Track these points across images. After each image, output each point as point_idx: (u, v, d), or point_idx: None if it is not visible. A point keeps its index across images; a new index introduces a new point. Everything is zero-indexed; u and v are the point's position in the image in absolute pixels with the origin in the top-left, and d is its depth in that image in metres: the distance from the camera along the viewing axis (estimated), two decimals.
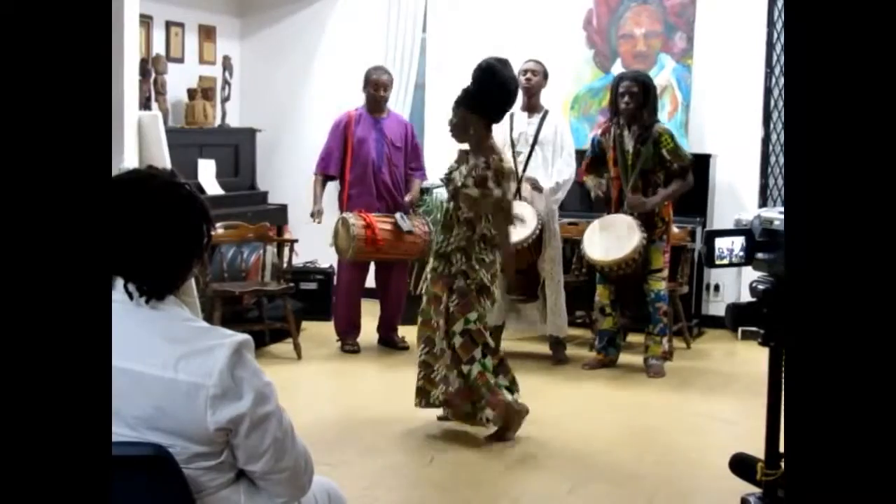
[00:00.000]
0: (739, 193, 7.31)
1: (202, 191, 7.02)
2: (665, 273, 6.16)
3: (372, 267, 6.77)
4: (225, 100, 7.98)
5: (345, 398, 5.77)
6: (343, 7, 8.24)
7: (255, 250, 6.75)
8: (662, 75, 7.19)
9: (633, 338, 6.56)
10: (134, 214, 1.97)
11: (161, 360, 1.93)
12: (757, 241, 2.49)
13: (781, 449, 2.39)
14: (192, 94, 7.71)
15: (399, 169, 6.63)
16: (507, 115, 6.28)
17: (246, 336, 2.00)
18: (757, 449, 2.50)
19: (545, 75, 6.40)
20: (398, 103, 7.62)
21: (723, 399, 5.73)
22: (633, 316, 6.37)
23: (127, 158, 5.61)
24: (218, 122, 7.91)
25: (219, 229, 6.18)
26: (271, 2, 8.47)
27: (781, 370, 2.39)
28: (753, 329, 2.48)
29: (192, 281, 5.56)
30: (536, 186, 6.19)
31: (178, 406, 1.93)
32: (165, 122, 6.68)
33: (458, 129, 4.80)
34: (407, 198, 6.60)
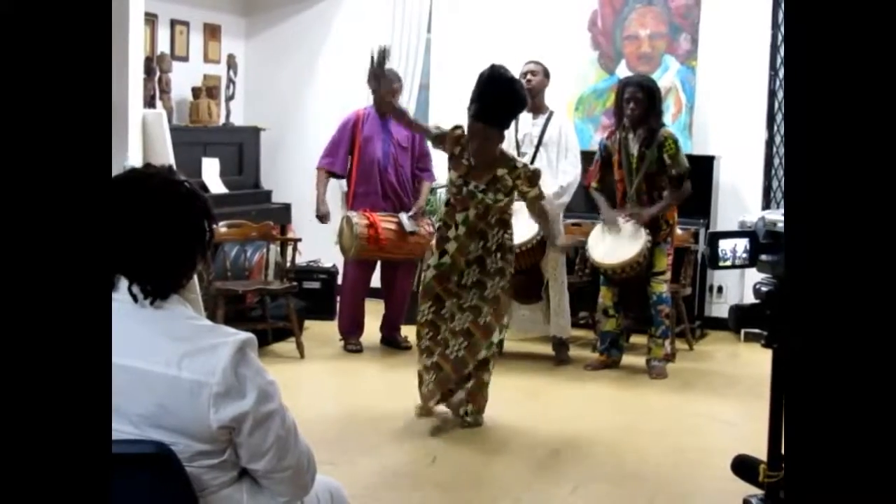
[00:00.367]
0: (743, 195, 7.30)
1: (206, 189, 7.02)
2: (668, 275, 6.16)
3: (378, 266, 6.77)
4: (229, 98, 7.99)
5: (347, 397, 5.78)
6: (348, 7, 8.25)
7: (258, 249, 6.76)
8: (667, 77, 7.19)
9: (636, 339, 6.55)
10: (134, 213, 1.97)
11: (164, 357, 1.94)
12: (761, 243, 2.49)
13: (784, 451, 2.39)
14: (196, 92, 7.71)
15: (405, 169, 6.63)
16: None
17: (249, 335, 2.00)
18: (759, 451, 2.50)
19: (546, 74, 6.39)
20: (402, 103, 7.61)
21: (725, 401, 5.73)
22: (637, 318, 6.37)
23: (131, 156, 5.61)
24: (222, 120, 7.92)
25: (222, 228, 6.19)
26: (277, 1, 8.47)
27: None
28: (756, 331, 2.48)
29: (195, 277, 5.56)
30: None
31: (181, 404, 1.93)
32: (170, 121, 6.67)
33: (490, 148, 4.79)
34: (415, 208, 6.58)
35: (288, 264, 6.65)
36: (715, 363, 6.65)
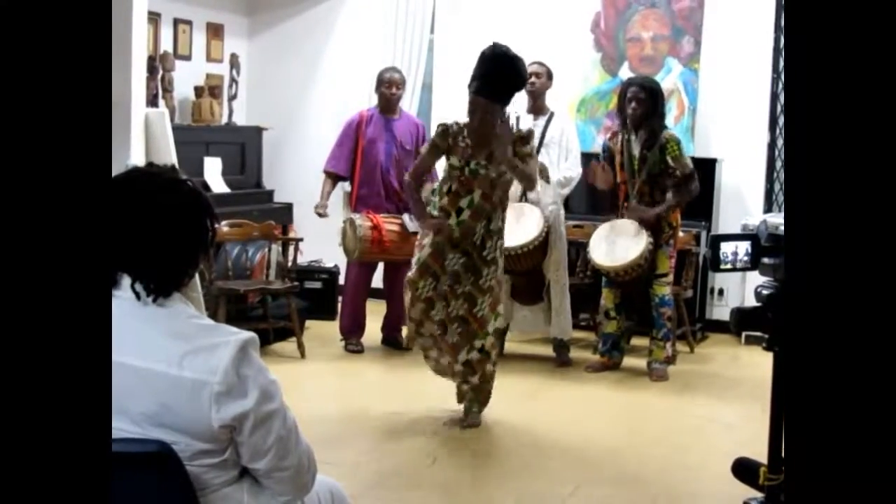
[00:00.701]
0: (745, 198, 7.30)
1: (208, 189, 7.03)
2: (670, 278, 6.16)
3: (381, 267, 6.77)
4: (232, 98, 7.99)
5: (348, 398, 5.78)
6: (351, 7, 8.25)
7: (260, 249, 6.76)
8: (669, 79, 7.19)
9: (638, 341, 6.55)
10: (137, 212, 1.98)
11: (166, 356, 1.94)
12: (762, 246, 2.49)
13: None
14: (199, 91, 7.72)
15: (408, 171, 6.62)
16: (513, 118, 6.34)
17: (251, 334, 2.00)
18: (760, 453, 2.50)
19: (549, 76, 6.39)
20: (405, 104, 7.62)
21: (725, 403, 5.73)
22: (639, 320, 6.37)
23: (133, 155, 5.62)
24: (225, 120, 7.92)
25: (224, 227, 6.20)
26: (280, 1, 8.48)
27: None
28: (757, 334, 2.48)
29: (197, 276, 5.56)
30: (544, 174, 6.14)
31: (182, 403, 1.93)
32: (172, 120, 6.68)
33: (491, 124, 4.81)
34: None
35: (289, 264, 6.66)
36: (716, 366, 6.64)
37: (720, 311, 7.32)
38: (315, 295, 7.36)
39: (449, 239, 4.85)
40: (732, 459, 2.58)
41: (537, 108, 6.36)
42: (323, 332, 6.92)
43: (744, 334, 6.95)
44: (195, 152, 7.28)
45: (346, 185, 6.85)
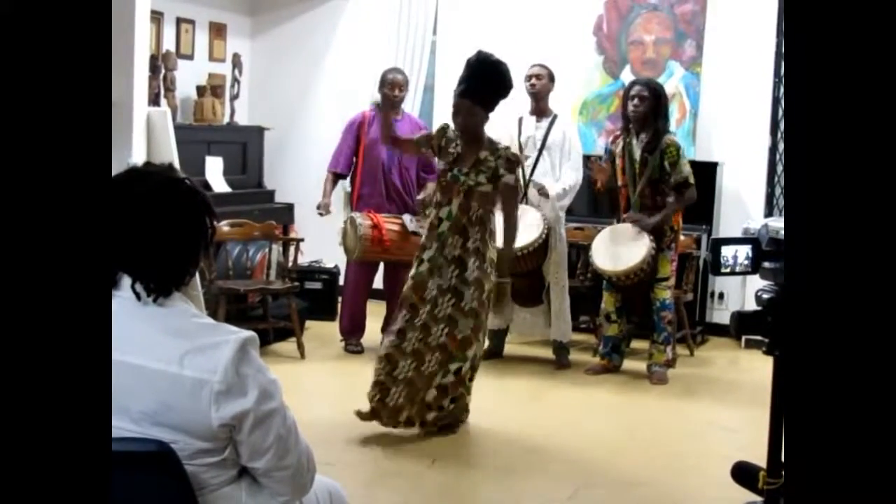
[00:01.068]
0: (746, 202, 7.30)
1: (209, 188, 7.03)
2: (671, 282, 6.15)
3: (381, 267, 6.77)
4: (234, 97, 7.99)
5: (347, 398, 5.75)
6: (354, 8, 8.25)
7: (260, 248, 6.76)
8: (671, 82, 7.19)
9: (638, 344, 6.55)
10: (135, 211, 1.97)
11: (166, 355, 1.94)
12: (763, 250, 2.49)
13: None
14: (201, 91, 7.72)
15: (410, 172, 6.63)
16: (516, 120, 6.34)
17: (251, 333, 2.00)
18: (759, 457, 2.50)
19: (551, 78, 6.39)
20: (407, 105, 7.62)
21: (725, 407, 5.73)
22: (640, 323, 6.36)
23: (135, 154, 5.62)
24: (226, 119, 7.93)
25: (225, 227, 6.20)
26: (282, 1, 8.48)
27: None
28: (757, 338, 2.48)
29: (197, 276, 5.56)
30: (543, 192, 6.18)
31: (182, 401, 1.93)
32: (174, 119, 6.68)
33: (474, 126, 4.81)
34: (419, 196, 6.56)
35: (290, 264, 6.66)
36: (716, 369, 6.64)
37: (720, 315, 7.32)
38: (315, 295, 7.36)
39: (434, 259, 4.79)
40: (732, 463, 2.59)
41: (540, 110, 6.36)
42: (323, 333, 6.92)
43: (744, 338, 6.95)
44: (197, 152, 7.28)
45: (347, 185, 6.85)
